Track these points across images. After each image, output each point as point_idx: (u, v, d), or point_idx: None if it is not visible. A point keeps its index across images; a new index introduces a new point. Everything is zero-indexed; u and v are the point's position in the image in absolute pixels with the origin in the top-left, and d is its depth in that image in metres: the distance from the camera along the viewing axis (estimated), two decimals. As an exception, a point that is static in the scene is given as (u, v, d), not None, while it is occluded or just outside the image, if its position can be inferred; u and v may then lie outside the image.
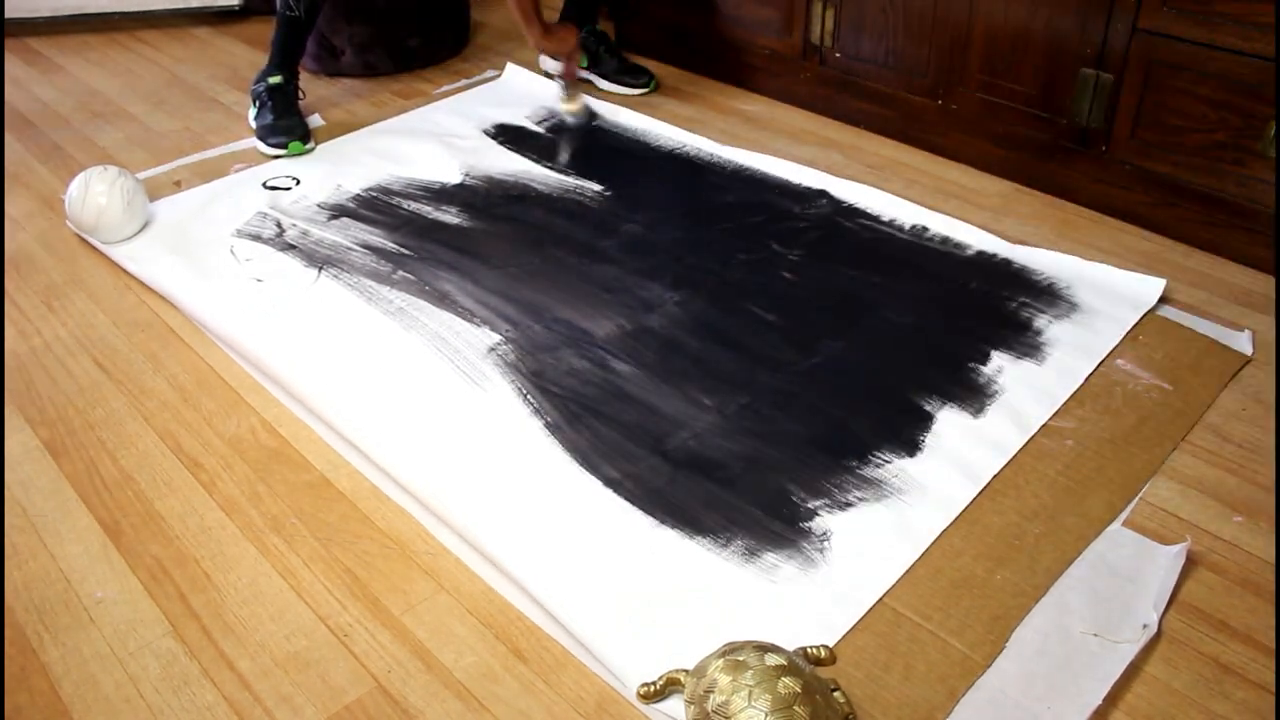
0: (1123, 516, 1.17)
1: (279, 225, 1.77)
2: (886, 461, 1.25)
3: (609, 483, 1.23)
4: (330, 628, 1.08)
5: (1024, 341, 1.45)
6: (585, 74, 2.30)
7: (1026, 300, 1.53)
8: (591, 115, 2.17)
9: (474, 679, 1.02)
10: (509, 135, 2.07)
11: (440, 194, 1.86)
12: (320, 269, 1.64)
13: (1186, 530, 1.16)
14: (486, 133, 2.08)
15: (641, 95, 2.25)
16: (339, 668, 1.03)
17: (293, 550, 1.17)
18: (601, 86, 2.28)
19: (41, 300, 1.62)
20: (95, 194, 1.70)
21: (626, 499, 1.20)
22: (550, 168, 1.94)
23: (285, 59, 2.06)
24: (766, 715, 0.86)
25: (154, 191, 1.89)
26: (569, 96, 2.18)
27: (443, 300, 1.56)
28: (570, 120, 2.15)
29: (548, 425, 1.31)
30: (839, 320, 1.50)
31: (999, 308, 1.52)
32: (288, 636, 1.07)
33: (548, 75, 2.31)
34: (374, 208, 1.81)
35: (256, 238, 1.73)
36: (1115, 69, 1.65)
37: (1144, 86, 1.63)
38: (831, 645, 1.03)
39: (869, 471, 1.24)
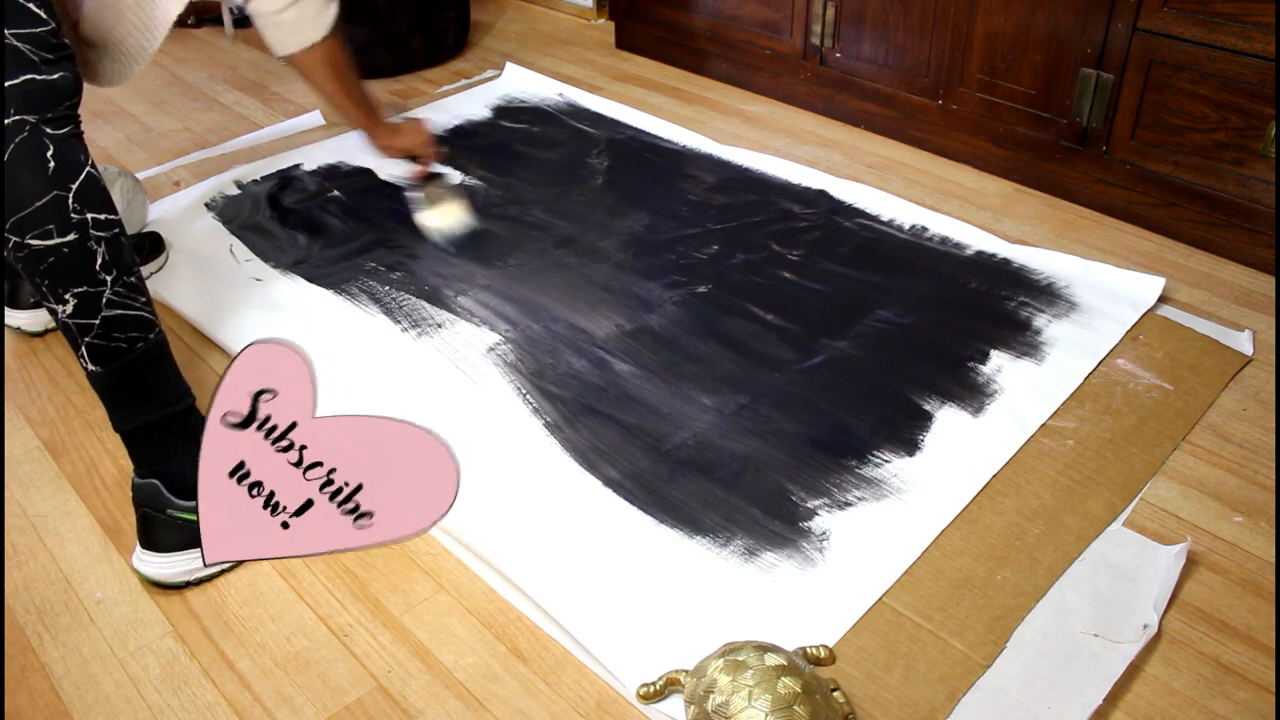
0: (1123, 516, 1.17)
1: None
2: (886, 461, 1.25)
3: (609, 483, 1.22)
4: (330, 628, 1.08)
5: (1023, 341, 1.45)
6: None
7: (1026, 300, 1.53)
8: (465, 229, 1.69)
9: (474, 679, 1.02)
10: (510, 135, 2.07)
11: (440, 194, 1.85)
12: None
13: (1187, 530, 1.16)
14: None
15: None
16: (339, 668, 1.03)
17: (293, 550, 1.17)
18: None
19: (41, 300, 1.62)
20: (95, 194, 1.69)
21: (626, 499, 1.20)
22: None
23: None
24: (766, 715, 0.86)
25: (154, 191, 1.89)
26: (430, 201, 1.69)
27: (442, 300, 1.56)
28: (438, 239, 1.68)
29: (547, 425, 1.31)
30: (839, 320, 1.50)
31: (998, 307, 1.52)
32: (288, 636, 1.07)
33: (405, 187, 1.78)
34: (373, 207, 1.81)
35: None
36: (1115, 69, 1.65)
37: (1144, 86, 1.63)
38: (831, 645, 1.03)
39: (869, 471, 1.24)
